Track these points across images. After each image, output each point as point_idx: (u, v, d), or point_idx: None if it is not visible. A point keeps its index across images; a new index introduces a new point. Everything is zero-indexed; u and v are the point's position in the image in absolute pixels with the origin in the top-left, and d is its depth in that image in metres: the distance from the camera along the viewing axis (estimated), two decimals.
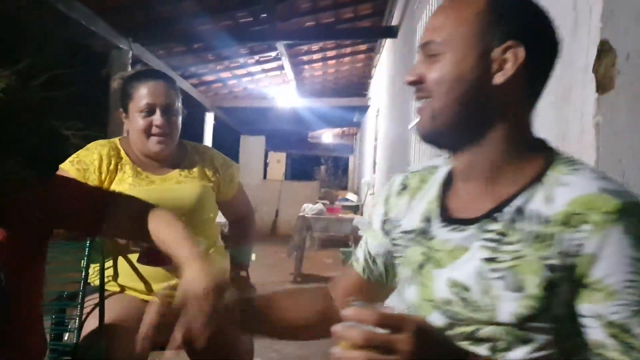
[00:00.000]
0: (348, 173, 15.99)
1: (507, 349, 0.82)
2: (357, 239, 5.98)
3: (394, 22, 6.26)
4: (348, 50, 8.70)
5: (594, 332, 0.77)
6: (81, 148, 1.78)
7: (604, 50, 1.28)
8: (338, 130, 15.99)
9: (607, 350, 0.76)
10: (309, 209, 6.31)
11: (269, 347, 3.49)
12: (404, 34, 5.58)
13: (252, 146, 12.45)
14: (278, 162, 13.24)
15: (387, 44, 7.28)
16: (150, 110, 1.73)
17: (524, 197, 0.84)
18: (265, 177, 12.71)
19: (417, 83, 0.89)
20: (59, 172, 1.71)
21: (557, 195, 0.81)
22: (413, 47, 4.69)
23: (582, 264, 0.77)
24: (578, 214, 0.78)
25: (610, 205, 0.76)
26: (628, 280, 0.74)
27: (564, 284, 0.79)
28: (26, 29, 7.42)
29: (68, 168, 1.70)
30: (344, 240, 8.21)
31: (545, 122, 1.58)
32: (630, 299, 0.74)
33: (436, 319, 0.87)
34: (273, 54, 7.65)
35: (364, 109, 11.18)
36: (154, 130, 1.73)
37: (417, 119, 0.92)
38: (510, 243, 0.83)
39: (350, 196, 9.43)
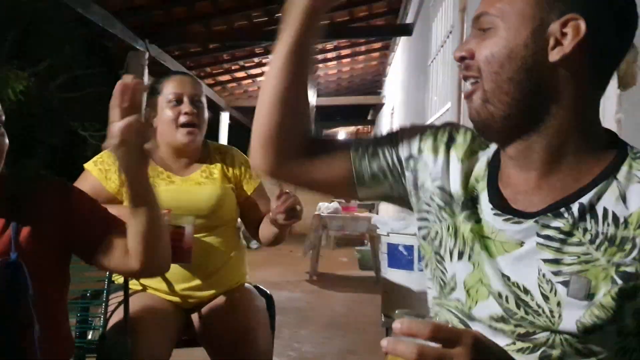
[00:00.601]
0: None
1: (560, 359, 0.76)
2: (372, 237, 5.98)
3: (409, 20, 6.25)
4: (362, 48, 8.71)
5: None
6: (98, 148, 1.82)
7: None
8: (352, 128, 15.98)
9: None
10: (325, 207, 6.31)
11: (287, 345, 3.51)
12: (419, 31, 5.56)
13: None
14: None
15: (402, 42, 7.27)
16: (178, 100, 1.77)
17: (593, 193, 0.75)
18: None
19: (466, 59, 0.81)
20: (84, 172, 1.74)
21: (632, 193, 0.74)
22: (428, 45, 4.68)
23: None
24: None
25: None
26: None
27: None
28: (45, 31, 7.52)
29: (91, 168, 1.73)
30: (360, 239, 8.21)
31: None
32: None
33: (491, 306, 0.80)
34: None
35: (378, 107, 11.18)
36: (183, 119, 1.76)
37: (468, 104, 0.83)
38: (577, 244, 0.75)
39: None
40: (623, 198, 0.74)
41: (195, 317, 1.75)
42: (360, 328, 4.03)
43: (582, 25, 0.74)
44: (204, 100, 1.83)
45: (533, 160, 0.80)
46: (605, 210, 0.75)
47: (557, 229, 0.76)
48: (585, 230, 0.75)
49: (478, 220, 0.84)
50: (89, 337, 1.69)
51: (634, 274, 0.71)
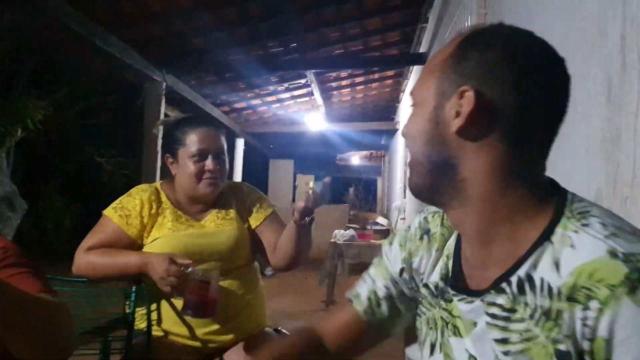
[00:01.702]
0: (377, 195, 15.94)
1: None
2: None
3: (422, 49, 6.27)
4: (376, 76, 8.75)
5: None
6: (114, 175, 1.84)
7: None
8: (366, 152, 16.00)
9: None
10: (341, 235, 6.28)
11: None
12: None
13: (281, 169, 12.53)
14: (307, 184, 13.26)
15: (415, 69, 7.28)
16: (202, 155, 1.76)
17: (530, 263, 0.73)
18: (294, 200, 12.73)
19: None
20: (103, 219, 1.74)
21: (563, 260, 0.70)
22: None
23: (598, 350, 0.65)
24: (584, 288, 0.66)
25: (618, 277, 0.64)
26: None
27: None
28: (62, 61, 7.64)
29: (111, 215, 1.73)
30: None
31: (594, 163, 1.55)
32: None
33: None
34: (302, 81, 7.73)
35: (391, 132, 11.19)
36: (206, 175, 1.77)
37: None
38: (519, 320, 0.73)
39: (380, 220, 9.36)
40: (557, 265, 0.70)
41: None
42: (380, 357, 3.95)
43: (471, 95, 0.74)
44: (226, 150, 1.83)
45: (470, 233, 0.80)
46: (542, 281, 0.71)
47: (500, 306, 0.75)
48: (525, 304, 0.72)
49: (450, 300, 0.85)
50: None
51: (568, 351, 0.67)
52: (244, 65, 6.13)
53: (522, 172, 0.76)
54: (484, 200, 0.76)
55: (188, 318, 1.67)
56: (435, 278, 0.90)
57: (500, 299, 0.75)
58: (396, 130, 10.69)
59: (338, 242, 6.07)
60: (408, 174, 0.85)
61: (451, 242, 0.90)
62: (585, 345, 0.66)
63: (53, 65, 8.21)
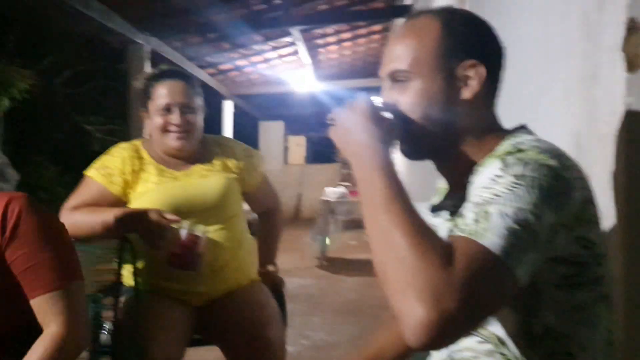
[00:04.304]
0: None
1: None
2: None
3: (408, 1, 6.17)
4: (363, 31, 8.59)
5: None
6: (104, 142, 1.84)
7: (632, 28, 1.24)
8: None
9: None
10: (332, 192, 6.31)
11: (299, 334, 3.52)
12: None
13: (271, 131, 12.46)
14: (298, 146, 13.21)
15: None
16: (167, 109, 1.76)
17: (475, 172, 0.90)
18: (286, 161, 12.72)
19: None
20: (85, 179, 1.74)
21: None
22: None
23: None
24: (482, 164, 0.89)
25: (503, 149, 0.87)
26: (483, 187, 0.82)
27: None
28: (46, 29, 7.49)
29: (93, 175, 1.73)
30: None
31: (573, 102, 1.54)
32: (475, 199, 0.81)
33: None
34: (288, 39, 7.59)
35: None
36: (171, 128, 1.76)
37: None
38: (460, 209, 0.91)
39: None
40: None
41: (206, 315, 1.76)
42: (373, 313, 4.03)
43: (482, 68, 0.94)
44: (196, 104, 1.81)
45: (457, 173, 0.98)
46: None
47: (452, 206, 0.97)
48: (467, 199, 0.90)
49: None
50: (104, 339, 1.70)
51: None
52: (227, 25, 6.03)
53: (493, 117, 1.00)
54: (473, 146, 0.96)
55: (176, 272, 1.69)
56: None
57: (452, 201, 0.98)
58: None
59: (329, 199, 6.10)
60: (406, 145, 0.98)
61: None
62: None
63: (37, 34, 8.07)
